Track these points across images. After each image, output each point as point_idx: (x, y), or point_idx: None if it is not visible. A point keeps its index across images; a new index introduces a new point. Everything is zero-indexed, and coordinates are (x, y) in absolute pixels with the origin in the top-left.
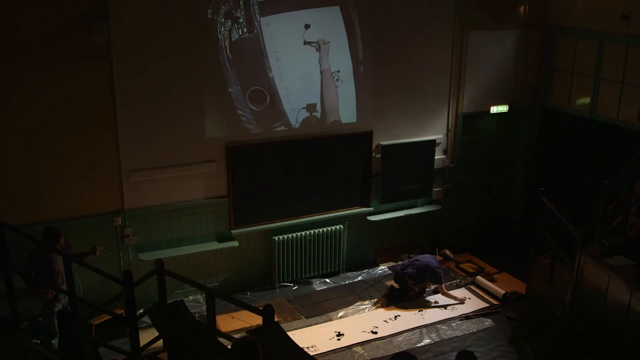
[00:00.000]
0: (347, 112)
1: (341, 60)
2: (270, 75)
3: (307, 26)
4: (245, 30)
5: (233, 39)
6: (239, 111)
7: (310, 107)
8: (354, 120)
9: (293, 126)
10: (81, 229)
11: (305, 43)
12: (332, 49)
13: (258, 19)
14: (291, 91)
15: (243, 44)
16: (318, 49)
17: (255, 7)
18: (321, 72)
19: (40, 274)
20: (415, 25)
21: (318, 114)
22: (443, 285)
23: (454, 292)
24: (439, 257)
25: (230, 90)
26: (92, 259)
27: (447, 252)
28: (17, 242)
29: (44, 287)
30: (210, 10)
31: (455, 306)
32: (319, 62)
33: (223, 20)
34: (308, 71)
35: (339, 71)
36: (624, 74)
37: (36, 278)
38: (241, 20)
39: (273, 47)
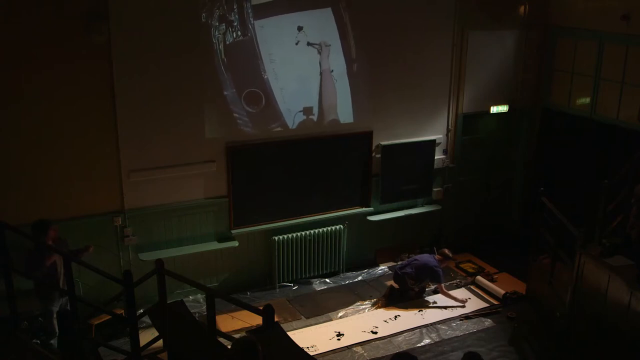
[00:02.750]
0: (343, 111)
1: (335, 60)
2: (265, 77)
3: (299, 28)
4: (239, 33)
5: (227, 42)
6: (235, 114)
7: (307, 110)
8: (351, 120)
9: (290, 127)
10: (81, 229)
11: (308, 44)
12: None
13: (252, 22)
14: (286, 92)
15: (237, 47)
16: (320, 51)
17: (249, 11)
18: (321, 73)
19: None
20: (415, 26)
21: (314, 117)
22: (442, 285)
23: (453, 293)
24: (437, 257)
25: (225, 93)
26: (88, 258)
27: (446, 251)
28: (17, 242)
29: (46, 285)
30: (204, 14)
31: (458, 307)
32: (319, 63)
33: (217, 24)
34: (302, 73)
35: (332, 70)
36: (624, 74)
37: (40, 278)
38: (235, 24)
39: (267, 49)
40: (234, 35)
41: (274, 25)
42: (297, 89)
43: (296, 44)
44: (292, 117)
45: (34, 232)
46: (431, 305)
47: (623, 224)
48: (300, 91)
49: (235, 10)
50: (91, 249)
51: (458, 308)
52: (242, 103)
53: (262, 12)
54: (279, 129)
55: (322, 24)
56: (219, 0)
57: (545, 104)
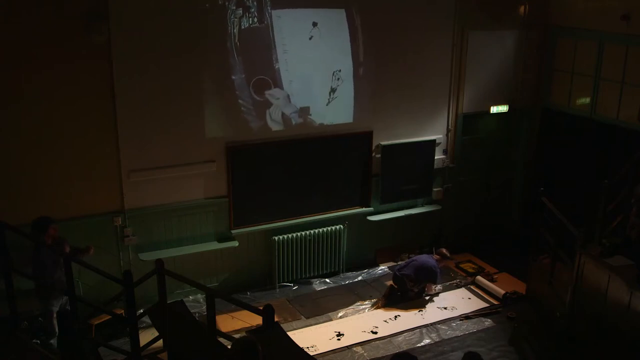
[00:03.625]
0: (345, 112)
1: (343, 61)
2: (277, 66)
3: (314, 24)
4: (255, 20)
5: (243, 27)
6: (240, 100)
7: (304, 110)
8: (351, 120)
9: (293, 122)
10: (81, 229)
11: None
12: (334, 49)
13: (269, 10)
14: (294, 85)
15: (252, 33)
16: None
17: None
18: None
19: (41, 271)
20: (415, 26)
21: (312, 117)
22: (432, 286)
23: (452, 293)
24: (435, 256)
25: (234, 77)
26: (88, 259)
27: (444, 250)
28: (17, 242)
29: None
30: None
31: (454, 305)
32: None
33: (234, 7)
34: (310, 72)
35: (340, 70)
36: (624, 74)
37: (45, 281)
38: (252, 10)
39: (282, 39)
40: (250, 21)
41: (291, 17)
42: (304, 87)
43: (309, 38)
44: (294, 111)
45: (34, 230)
46: (426, 298)
47: (623, 224)
48: (305, 90)
49: None
50: (92, 250)
51: (457, 306)
52: (250, 90)
53: (280, 2)
54: (280, 130)
55: (335, 24)
56: None
57: (545, 104)
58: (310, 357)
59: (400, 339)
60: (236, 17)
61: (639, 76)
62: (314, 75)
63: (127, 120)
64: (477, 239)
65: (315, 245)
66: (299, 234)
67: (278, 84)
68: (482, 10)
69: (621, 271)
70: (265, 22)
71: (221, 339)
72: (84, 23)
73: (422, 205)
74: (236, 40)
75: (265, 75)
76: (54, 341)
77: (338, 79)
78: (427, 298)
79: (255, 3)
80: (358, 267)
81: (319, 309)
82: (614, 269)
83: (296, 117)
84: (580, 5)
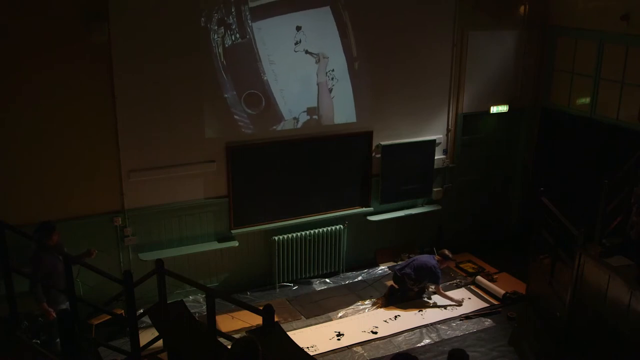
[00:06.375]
0: (345, 111)
1: (335, 60)
2: (265, 78)
3: (298, 28)
4: (237, 36)
5: (226, 45)
6: (235, 116)
7: (311, 111)
8: (354, 120)
9: (290, 128)
10: (81, 229)
11: (306, 52)
12: (325, 49)
13: (250, 24)
14: (287, 93)
15: (236, 49)
16: (317, 62)
17: (247, 13)
18: (317, 85)
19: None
20: (415, 26)
21: (317, 117)
22: (440, 287)
23: (452, 293)
24: (437, 257)
25: (226, 95)
26: (90, 259)
27: (446, 251)
28: (17, 242)
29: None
30: (203, 19)
31: (454, 306)
32: (317, 74)
33: (216, 27)
34: (302, 74)
35: (333, 70)
36: (624, 74)
37: (46, 284)
38: (233, 27)
39: (266, 50)
40: (233, 38)
41: (273, 26)
42: (298, 90)
43: (295, 43)
44: (294, 118)
45: (39, 233)
46: (431, 305)
47: (623, 224)
48: (301, 92)
49: (233, 13)
50: (94, 254)
51: (456, 308)
52: (242, 105)
53: (260, 13)
54: (280, 129)
55: (321, 24)
56: (217, 3)
57: (545, 104)
58: (310, 357)
59: (400, 339)
60: (219, 37)
61: (639, 76)
62: (307, 83)
63: (127, 120)
64: (477, 239)
65: (315, 245)
66: (299, 234)
67: (268, 96)
68: (482, 10)
69: (621, 271)
70: (248, 37)
71: (221, 339)
72: (84, 23)
73: (422, 205)
74: (222, 59)
75: (255, 89)
76: (56, 341)
77: (332, 78)
78: (445, 309)
79: (235, 19)
80: (358, 267)
81: (319, 309)
82: (614, 269)
83: (303, 119)
84: (580, 5)
